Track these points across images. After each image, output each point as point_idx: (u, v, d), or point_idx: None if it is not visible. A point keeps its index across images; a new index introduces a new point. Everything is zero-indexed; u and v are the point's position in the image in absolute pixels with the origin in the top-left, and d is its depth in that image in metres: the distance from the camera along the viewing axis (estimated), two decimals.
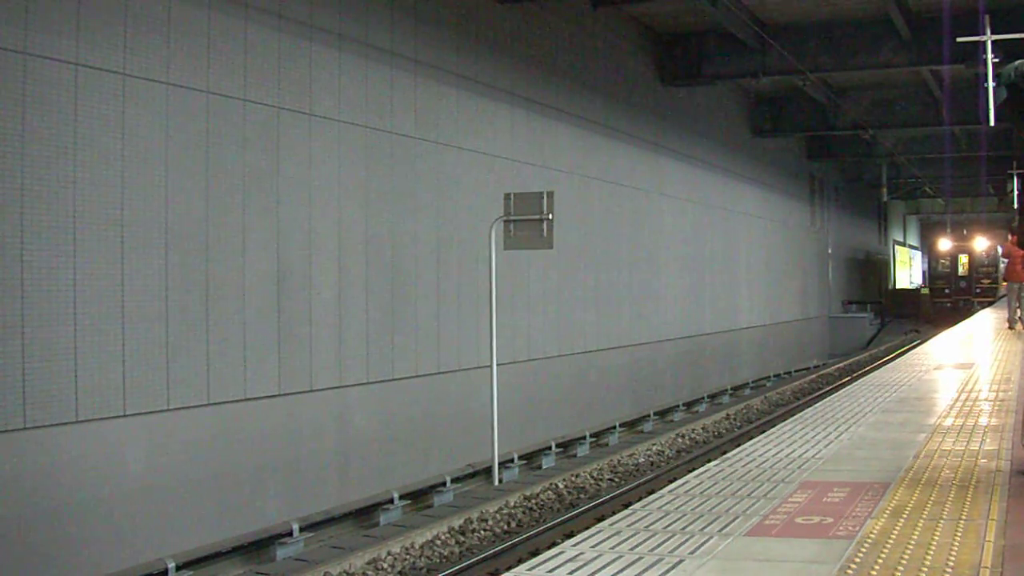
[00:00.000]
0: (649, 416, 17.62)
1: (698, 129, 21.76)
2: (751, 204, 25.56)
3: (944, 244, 44.46)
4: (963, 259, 43.63)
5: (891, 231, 47.15)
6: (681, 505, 4.80)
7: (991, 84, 14.24)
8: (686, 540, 4.13)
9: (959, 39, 14.70)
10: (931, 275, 44.86)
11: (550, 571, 3.73)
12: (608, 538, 4.20)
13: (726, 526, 4.35)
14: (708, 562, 3.82)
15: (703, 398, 20.50)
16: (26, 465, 7.78)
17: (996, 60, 14.04)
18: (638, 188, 18.72)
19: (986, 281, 43.12)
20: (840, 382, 21.32)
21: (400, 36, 12.13)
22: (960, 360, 12.58)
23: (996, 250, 40.89)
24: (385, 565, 8.98)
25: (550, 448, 14.27)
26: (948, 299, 42.46)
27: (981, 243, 44.05)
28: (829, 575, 3.62)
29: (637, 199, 18.66)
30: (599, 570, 3.74)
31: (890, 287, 45.11)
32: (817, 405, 8.68)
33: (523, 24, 14.87)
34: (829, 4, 17.32)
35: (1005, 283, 21.16)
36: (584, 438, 15.05)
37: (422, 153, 12.55)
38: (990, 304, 37.01)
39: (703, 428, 16.79)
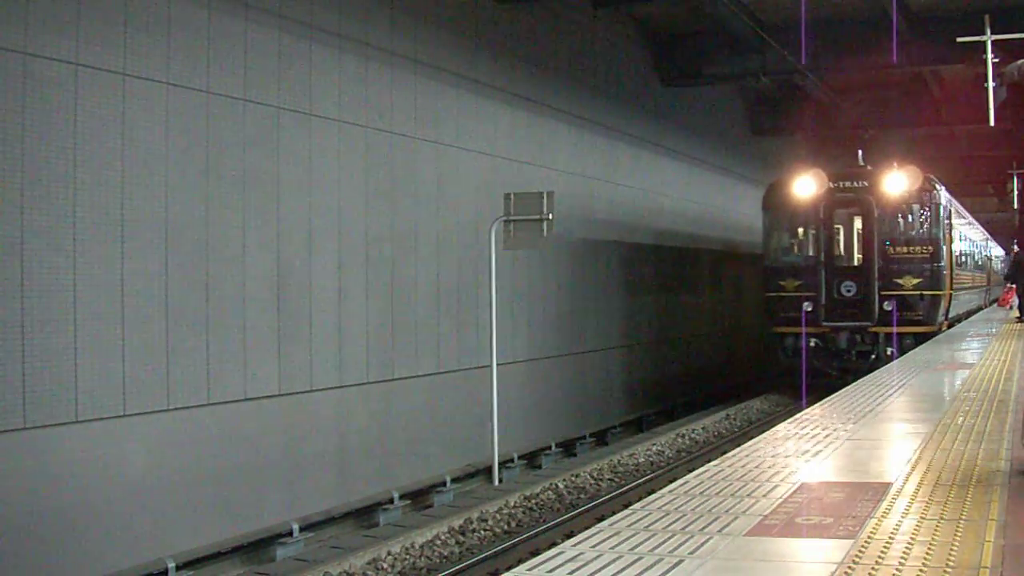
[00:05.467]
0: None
1: (698, 129, 21.75)
2: (751, 203, 25.51)
3: (803, 186, 17.59)
4: (855, 224, 18.44)
5: None
6: (681, 505, 4.79)
7: (991, 84, 14.26)
8: (686, 540, 4.13)
9: (959, 39, 14.71)
10: (768, 268, 18.49)
11: (550, 571, 3.73)
12: (608, 538, 4.19)
13: (726, 526, 4.34)
14: (708, 562, 3.82)
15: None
16: (26, 465, 7.78)
17: (996, 60, 14.05)
18: (637, 188, 18.72)
19: (911, 280, 17.31)
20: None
21: (400, 36, 12.13)
22: (961, 360, 12.58)
23: (937, 195, 17.78)
24: (385, 565, 8.98)
25: (550, 448, 14.27)
26: (815, 329, 17.35)
27: (896, 182, 17.29)
28: (829, 575, 3.62)
29: (636, 198, 18.66)
30: (599, 570, 3.74)
31: None
32: (816, 405, 8.68)
33: (523, 24, 14.87)
34: (829, 4, 17.32)
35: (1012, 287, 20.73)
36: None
37: (422, 153, 12.55)
38: (930, 337, 16.80)
39: (703, 428, 16.78)
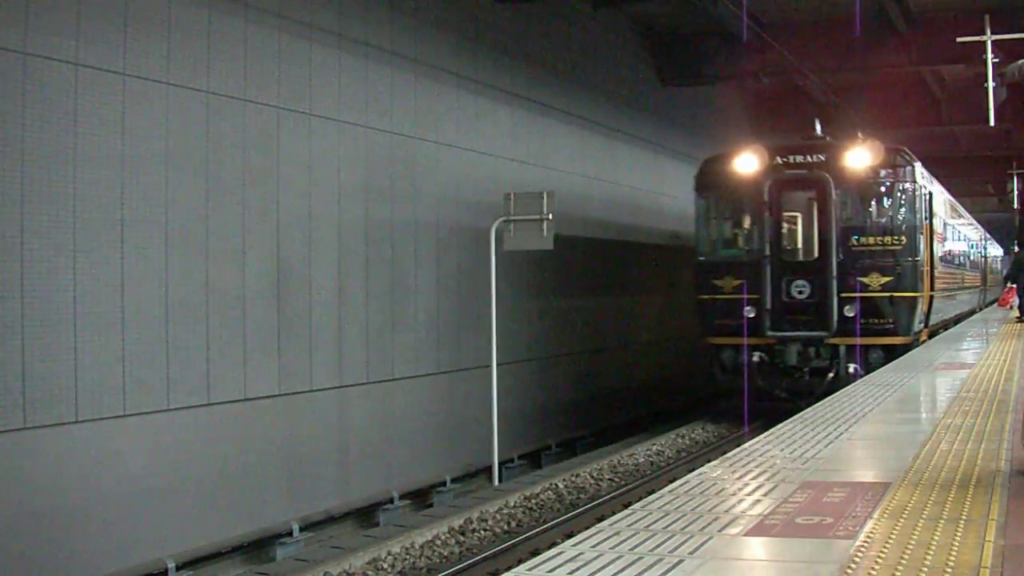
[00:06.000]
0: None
1: (698, 129, 21.75)
2: None
3: (743, 162, 14.27)
4: (812, 206, 14.30)
5: None
6: (681, 505, 4.79)
7: (991, 84, 14.25)
8: (686, 540, 4.12)
9: (959, 39, 14.70)
10: (701, 264, 15.04)
11: (550, 571, 3.72)
12: (608, 538, 4.19)
13: (726, 526, 4.34)
14: (708, 562, 3.82)
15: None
16: (26, 465, 7.78)
17: (996, 60, 14.05)
18: (638, 188, 18.71)
19: (879, 279, 13.85)
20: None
21: (400, 36, 12.13)
22: (960, 360, 12.58)
23: (912, 173, 14.18)
24: (385, 565, 8.98)
25: (550, 447, 14.27)
26: (759, 341, 14.08)
27: (861, 156, 13.83)
28: (829, 575, 3.62)
29: (636, 199, 18.65)
30: (599, 570, 3.73)
31: None
32: (817, 405, 8.68)
33: (523, 24, 14.87)
34: (829, 4, 17.33)
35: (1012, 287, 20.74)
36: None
37: (422, 153, 12.55)
38: (904, 350, 13.68)
39: (703, 428, 16.78)
